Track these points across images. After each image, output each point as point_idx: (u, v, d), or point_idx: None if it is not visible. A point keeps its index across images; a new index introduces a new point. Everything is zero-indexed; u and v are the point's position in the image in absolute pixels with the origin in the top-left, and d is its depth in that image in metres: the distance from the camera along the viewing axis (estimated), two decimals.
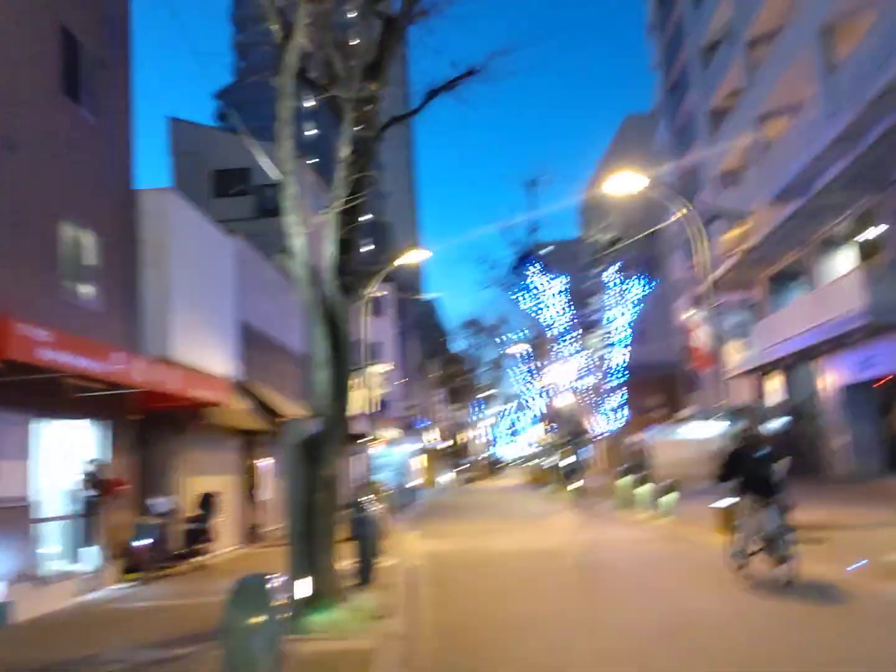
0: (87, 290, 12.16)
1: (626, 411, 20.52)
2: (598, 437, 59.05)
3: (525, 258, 20.76)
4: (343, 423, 8.82)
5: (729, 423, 34.00)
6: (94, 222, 12.40)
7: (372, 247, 75.27)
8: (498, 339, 45.36)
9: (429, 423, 54.00)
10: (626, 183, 13.63)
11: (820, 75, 22.25)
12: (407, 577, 10.85)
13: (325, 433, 8.51)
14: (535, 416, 61.99)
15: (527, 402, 52.40)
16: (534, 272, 20.77)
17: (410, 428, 45.55)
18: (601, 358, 20.84)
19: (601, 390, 20.94)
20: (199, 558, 13.12)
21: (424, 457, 52.05)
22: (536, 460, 53.78)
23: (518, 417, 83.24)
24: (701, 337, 12.81)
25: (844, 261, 26.50)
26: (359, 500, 11.25)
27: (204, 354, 15.43)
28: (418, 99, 10.74)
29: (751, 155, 32.04)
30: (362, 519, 10.76)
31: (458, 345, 65.79)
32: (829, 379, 27.30)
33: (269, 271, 21.90)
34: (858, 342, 24.73)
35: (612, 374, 20.26)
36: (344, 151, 8.53)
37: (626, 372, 20.56)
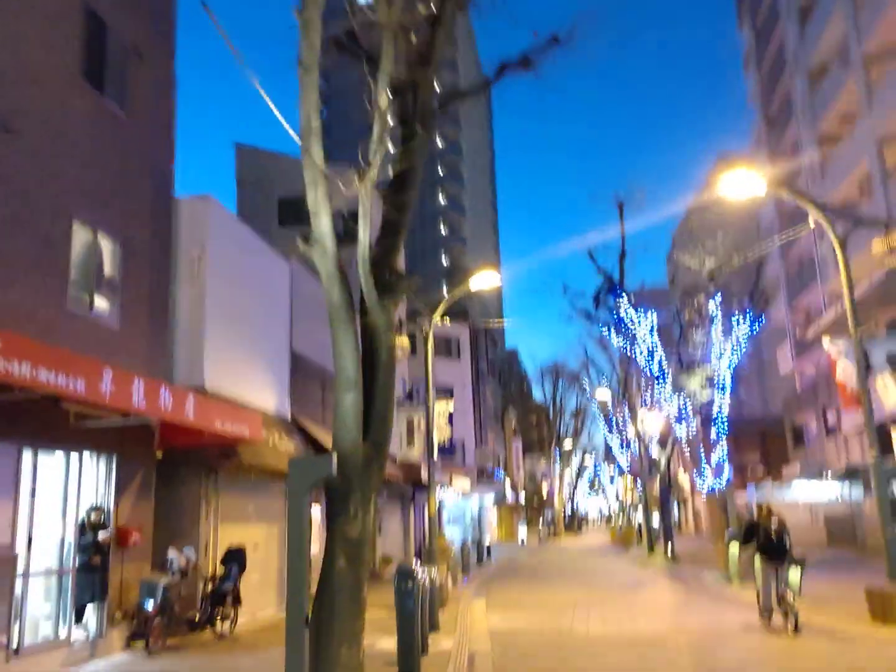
0: (103, 304, 10.49)
1: (728, 467, 17.50)
2: (698, 496, 54.44)
3: (613, 288, 18.26)
4: (377, 465, 6.60)
5: (845, 483, 30.10)
6: (116, 227, 10.81)
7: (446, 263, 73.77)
8: (581, 386, 42.44)
9: (505, 474, 51.13)
10: (744, 184, 11.16)
11: None
12: (465, 670, 8.39)
13: (350, 478, 6.31)
14: (619, 469, 58.22)
15: (611, 453, 49.01)
16: (623, 305, 18.22)
17: (485, 478, 42.86)
18: (699, 405, 17.95)
19: (699, 442, 18.00)
20: (222, 626, 11.00)
21: (500, 510, 49.05)
22: (621, 518, 49.98)
23: (601, 471, 79.10)
24: (844, 371, 10.02)
25: None
26: (409, 564, 8.90)
27: (246, 385, 13.58)
28: (490, 76, 8.88)
29: (868, 184, 28.78)
30: (410, 591, 8.43)
31: (538, 392, 63.02)
32: None
33: (315, 288, 20.23)
34: None
35: (714, 423, 17.34)
36: (383, 101, 6.50)
37: (727, 422, 17.61)
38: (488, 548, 28.67)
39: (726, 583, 16.17)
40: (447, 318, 14.47)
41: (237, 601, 11.19)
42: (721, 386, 17.84)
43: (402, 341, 14.05)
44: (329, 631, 6.07)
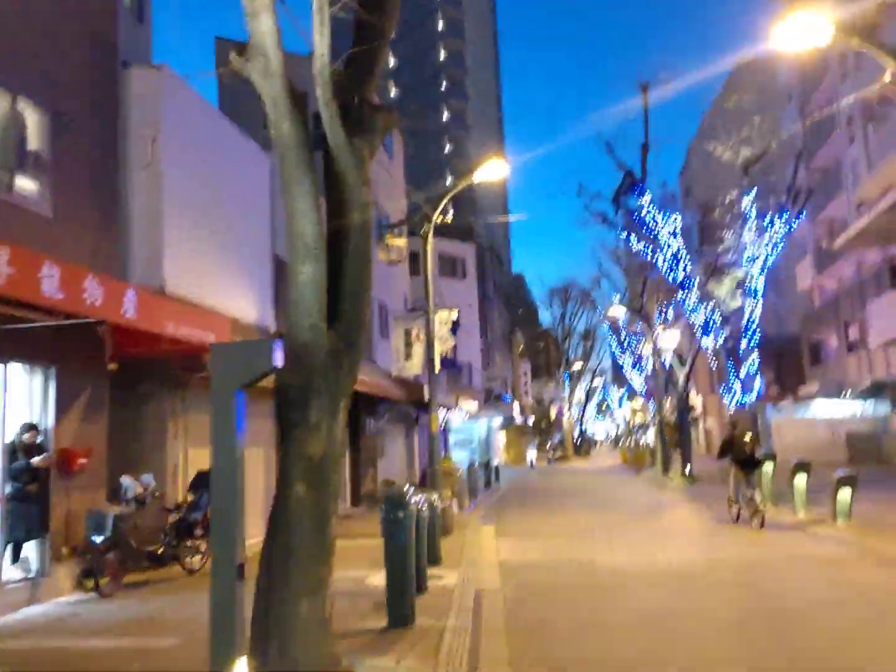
0: (27, 184, 8.68)
1: (759, 379, 15.85)
2: (710, 415, 53.29)
3: (634, 185, 16.24)
4: (347, 360, 4.91)
5: (868, 401, 28.60)
6: (43, 95, 8.89)
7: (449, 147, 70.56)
8: (593, 305, 40.67)
9: (513, 397, 49.99)
10: (804, 32, 9.11)
11: None
12: (471, 615, 6.92)
13: (310, 375, 4.64)
14: (629, 390, 57.06)
15: (621, 374, 47.70)
16: (645, 203, 16.24)
17: (493, 401, 41.64)
18: (728, 313, 16.20)
19: (727, 354, 16.31)
20: (192, 560, 9.60)
21: (508, 433, 48.13)
22: (630, 440, 49.07)
23: (610, 393, 78.19)
24: None
25: None
26: (400, 489, 7.34)
27: (217, 291, 11.86)
28: None
29: None
30: (402, 521, 6.89)
31: (546, 316, 61.37)
32: None
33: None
34: None
35: (745, 333, 15.60)
36: None
37: (759, 332, 15.87)
38: (496, 470, 27.48)
39: (786, 508, 14.75)
40: (449, 222, 12.59)
41: (209, 532, 9.75)
42: (753, 292, 16.05)
43: (398, 241, 12.24)
44: (284, 577, 4.50)
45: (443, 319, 12.24)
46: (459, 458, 37.00)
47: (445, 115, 74.89)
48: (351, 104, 5.19)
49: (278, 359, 4.08)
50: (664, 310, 24.81)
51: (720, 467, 29.59)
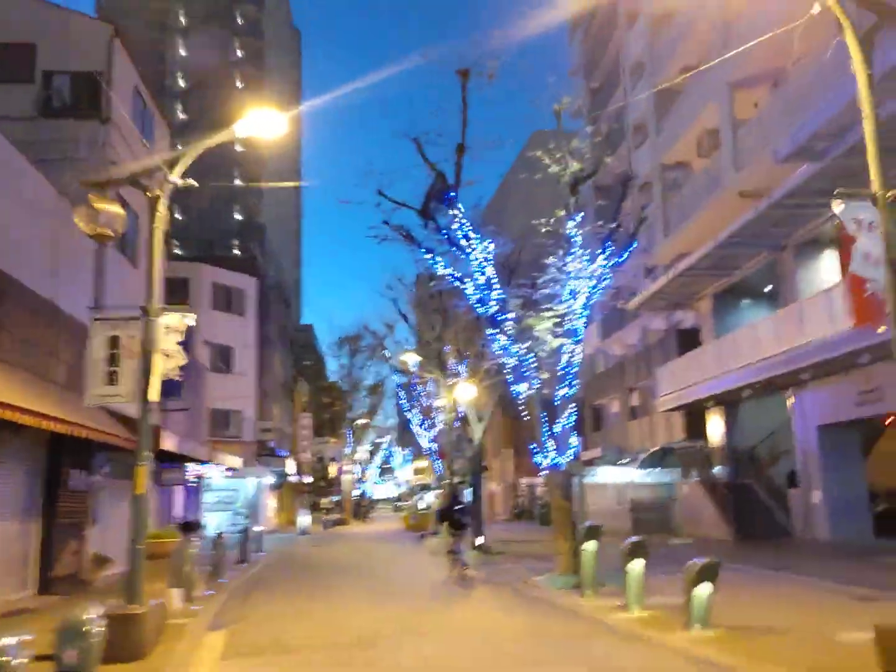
0: None
1: (576, 437, 13.36)
2: (492, 479, 51.76)
3: (446, 192, 13.34)
4: None
5: (654, 467, 27.87)
6: None
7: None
8: (383, 355, 37.64)
9: (290, 453, 45.23)
10: None
11: None
12: None
13: None
14: (415, 450, 54.49)
15: (408, 433, 44.94)
16: (458, 214, 13.39)
17: (266, 456, 36.77)
18: (545, 356, 13.65)
19: (541, 404, 13.69)
20: None
21: (282, 493, 43.10)
22: (415, 501, 46.12)
23: (396, 452, 75.43)
24: (864, 255, 5.69)
25: (830, 268, 21.10)
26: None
27: None
28: None
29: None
30: None
31: (334, 365, 57.54)
32: (803, 415, 21.61)
33: (45, 189, 13.70)
34: (850, 369, 19.10)
35: (563, 380, 13.06)
36: None
37: (577, 380, 13.49)
38: (259, 537, 22.85)
39: (573, 592, 11.91)
40: (189, 186, 8.77)
41: None
42: (574, 332, 13.62)
43: (109, 206, 8.12)
44: None
45: (171, 325, 8.18)
46: (219, 521, 31.60)
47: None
48: None
49: None
50: (464, 355, 22.25)
51: (511, 538, 27.39)
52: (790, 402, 22.14)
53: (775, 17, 20.27)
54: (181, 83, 69.28)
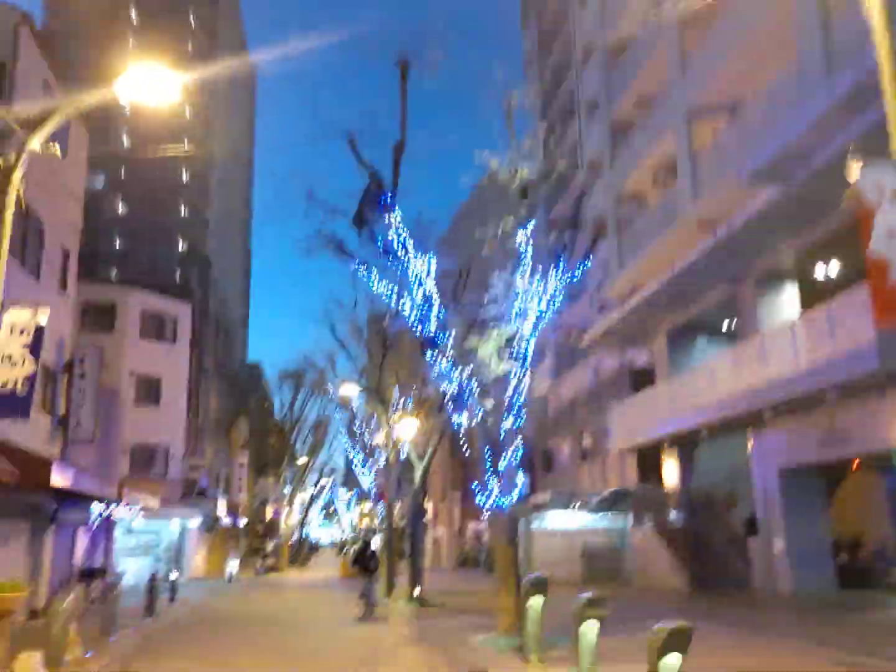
0: None
1: (522, 475, 11.77)
2: (439, 522, 49.39)
3: (382, 195, 11.84)
4: None
5: (607, 511, 26.35)
6: None
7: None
8: (325, 390, 35.67)
9: (224, 493, 42.55)
10: None
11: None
12: None
13: None
14: (359, 492, 52.13)
15: (352, 474, 42.76)
16: (393, 220, 11.89)
17: (195, 496, 34.16)
18: (491, 382, 12.13)
19: (484, 438, 12.11)
20: None
21: (213, 537, 40.24)
22: (354, 547, 43.67)
23: (337, 496, 72.60)
24: (886, 241, 4.31)
25: (791, 302, 20.18)
26: None
27: None
28: None
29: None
30: None
31: (278, 402, 54.99)
32: (764, 458, 20.41)
33: None
34: (814, 408, 17.99)
35: (510, 410, 11.54)
36: None
37: (524, 410, 11.99)
38: (172, 587, 20.49)
39: (515, 655, 10.18)
40: (57, 154, 7.12)
41: None
42: (522, 356, 12.15)
43: None
44: None
45: (17, 323, 6.37)
46: (138, 568, 28.88)
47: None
48: None
49: None
50: (406, 387, 20.59)
51: (453, 588, 25.36)
52: (750, 443, 20.95)
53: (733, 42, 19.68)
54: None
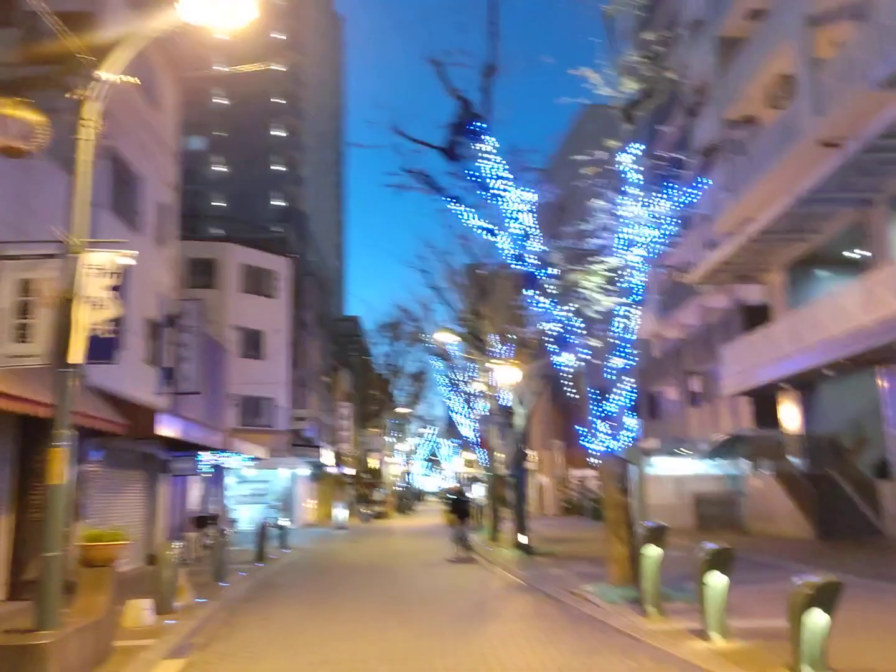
0: None
1: (634, 419, 10.93)
2: (544, 471, 49.13)
3: (472, 120, 11.06)
4: None
5: (722, 458, 25.06)
6: None
7: None
8: (423, 340, 35.51)
9: (330, 443, 43.56)
10: None
11: None
12: None
13: None
14: (462, 442, 52.38)
15: (453, 423, 42.81)
16: (488, 147, 11.08)
17: (302, 446, 35.06)
18: (594, 320, 11.29)
19: (590, 381, 11.33)
20: None
21: (321, 486, 41.46)
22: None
23: (440, 445, 73.45)
24: None
25: None
26: None
27: None
28: None
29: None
30: None
31: (376, 351, 55.57)
32: None
33: None
34: None
35: (620, 348, 10.67)
36: None
37: (635, 347, 11.09)
38: (282, 535, 20.98)
39: (631, 607, 9.55)
40: (132, 81, 6.71)
41: None
42: (631, 290, 11.26)
43: (22, 113, 6.02)
44: None
45: (98, 266, 6.10)
46: (251, 515, 29.98)
47: None
48: None
49: None
50: (505, 332, 19.96)
51: (560, 536, 24.92)
52: (881, 382, 19.21)
53: None
54: None
